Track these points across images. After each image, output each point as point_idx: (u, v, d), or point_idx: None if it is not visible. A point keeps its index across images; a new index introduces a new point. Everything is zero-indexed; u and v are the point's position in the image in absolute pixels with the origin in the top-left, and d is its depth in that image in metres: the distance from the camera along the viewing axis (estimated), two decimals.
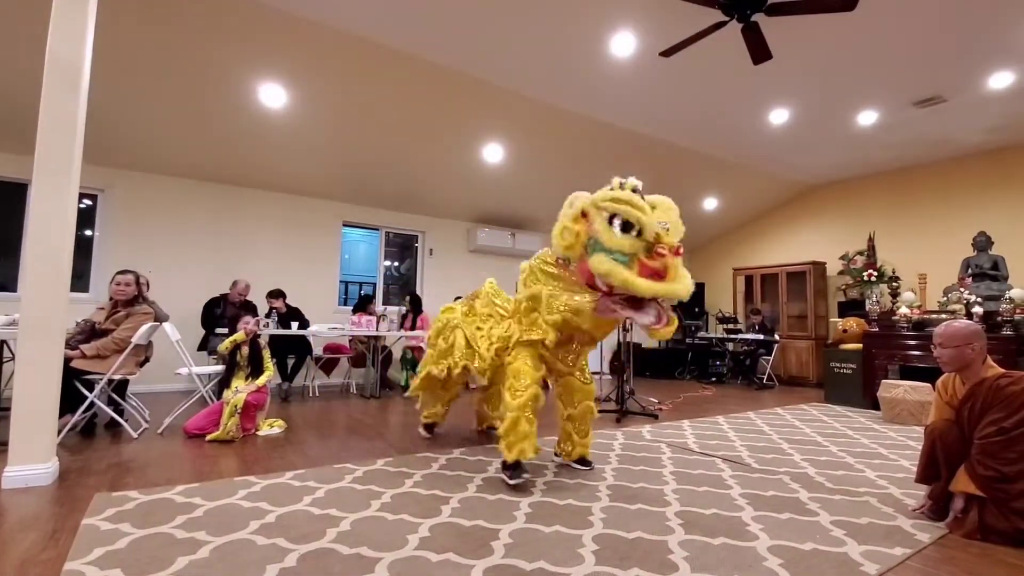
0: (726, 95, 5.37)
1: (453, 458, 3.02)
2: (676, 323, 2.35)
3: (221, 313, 5.21)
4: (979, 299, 5.43)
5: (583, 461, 2.92)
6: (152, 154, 5.32)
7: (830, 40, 4.30)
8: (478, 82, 5.02)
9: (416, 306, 6.38)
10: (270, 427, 3.68)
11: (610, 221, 2.34)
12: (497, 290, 3.29)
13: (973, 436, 2.06)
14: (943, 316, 5.19)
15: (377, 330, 5.62)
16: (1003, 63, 4.56)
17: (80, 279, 5.24)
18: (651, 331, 2.33)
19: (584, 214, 2.47)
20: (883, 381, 4.92)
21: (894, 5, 3.82)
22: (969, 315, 4.96)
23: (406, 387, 5.99)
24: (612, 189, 2.46)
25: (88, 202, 5.36)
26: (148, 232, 5.52)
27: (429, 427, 3.70)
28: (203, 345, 5.19)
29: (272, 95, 4.77)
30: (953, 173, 6.85)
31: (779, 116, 5.81)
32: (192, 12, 3.90)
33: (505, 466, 2.56)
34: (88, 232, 5.38)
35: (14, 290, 4.88)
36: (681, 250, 2.36)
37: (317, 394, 5.63)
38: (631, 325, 4.80)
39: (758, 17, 3.59)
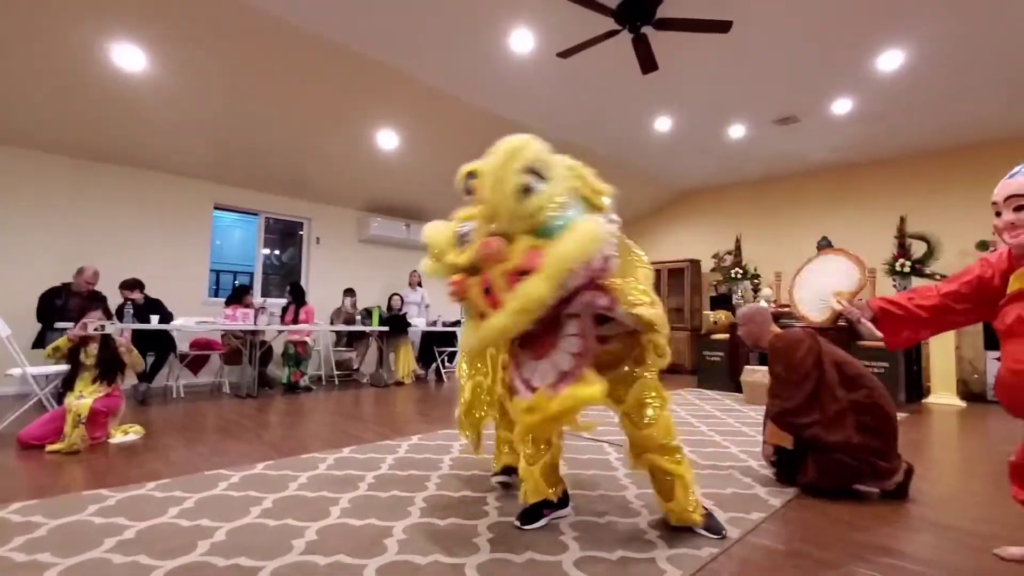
0: (618, 100, 5.65)
1: (342, 457, 2.88)
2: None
3: (63, 305, 4.51)
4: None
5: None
6: None
7: (709, 58, 4.69)
8: (372, 62, 4.80)
9: (298, 297, 6.00)
10: (124, 434, 3.25)
11: None
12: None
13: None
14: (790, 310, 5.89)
15: (256, 324, 5.20)
16: (844, 91, 5.28)
17: None
18: None
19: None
20: (745, 367, 5.51)
21: (762, 32, 4.25)
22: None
23: (287, 384, 5.65)
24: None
25: None
26: None
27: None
28: (39, 342, 4.46)
29: (129, 57, 4.18)
30: (804, 185, 7.87)
31: (663, 124, 6.24)
32: None
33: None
34: None
35: None
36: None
37: (182, 395, 5.10)
38: None
39: (647, 30, 3.82)
